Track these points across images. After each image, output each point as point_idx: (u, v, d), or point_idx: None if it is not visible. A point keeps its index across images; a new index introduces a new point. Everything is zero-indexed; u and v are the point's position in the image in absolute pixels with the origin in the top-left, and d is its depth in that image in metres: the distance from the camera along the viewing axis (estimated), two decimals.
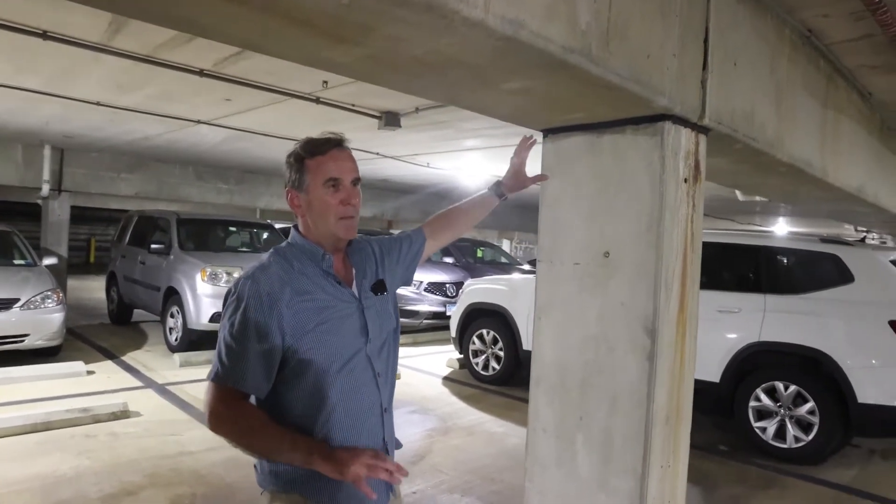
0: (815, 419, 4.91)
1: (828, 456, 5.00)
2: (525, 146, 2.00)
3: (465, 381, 7.33)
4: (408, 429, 5.31)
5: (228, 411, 1.32)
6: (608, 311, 2.35)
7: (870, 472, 5.06)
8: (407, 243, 1.76)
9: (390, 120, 6.00)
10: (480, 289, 7.66)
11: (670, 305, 2.27)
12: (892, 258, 5.07)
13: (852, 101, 3.94)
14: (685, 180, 2.31)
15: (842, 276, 5.01)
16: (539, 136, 2.44)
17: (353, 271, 1.54)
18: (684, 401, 2.42)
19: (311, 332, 1.37)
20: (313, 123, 6.62)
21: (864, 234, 8.34)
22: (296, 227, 1.53)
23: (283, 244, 1.52)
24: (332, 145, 1.47)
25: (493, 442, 5.15)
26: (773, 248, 5.51)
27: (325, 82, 4.86)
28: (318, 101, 5.42)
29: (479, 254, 14.01)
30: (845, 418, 4.84)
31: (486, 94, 2.06)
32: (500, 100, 2.11)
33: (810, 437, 4.93)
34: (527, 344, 6.64)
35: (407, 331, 9.59)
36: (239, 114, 6.31)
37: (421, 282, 9.93)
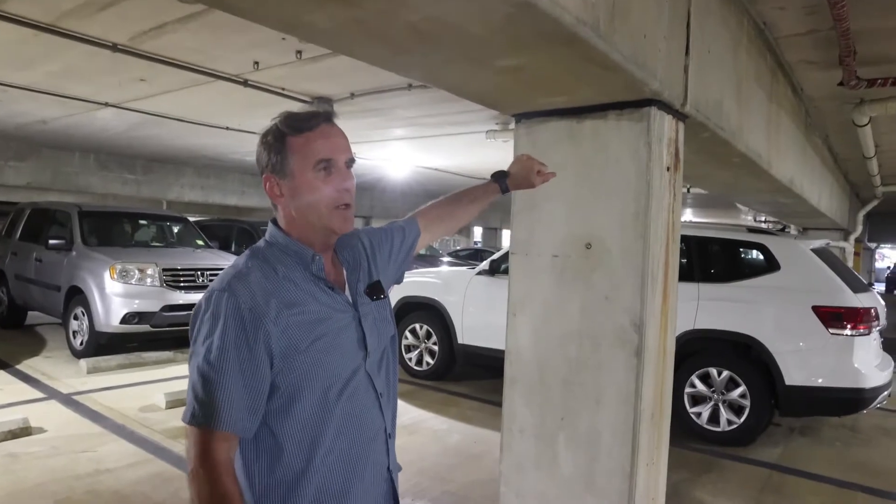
0: (747, 402, 5.11)
1: (756, 437, 5.22)
2: None
3: (399, 377, 7.13)
4: None
5: (210, 484, 1.07)
6: (591, 304, 2.25)
7: (792, 448, 5.33)
8: (399, 236, 1.52)
9: (322, 106, 5.68)
10: (411, 282, 7.47)
11: (656, 297, 2.20)
12: (812, 247, 5.35)
13: (787, 96, 4.08)
14: (668, 168, 2.24)
15: (769, 264, 5.24)
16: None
17: (344, 272, 1.30)
18: (666, 396, 2.37)
19: (304, 351, 1.14)
20: (238, 109, 6.20)
21: (774, 223, 8.89)
22: (274, 221, 1.26)
23: (261, 244, 1.25)
24: (321, 119, 1.22)
25: (438, 440, 5.01)
26: (704, 238, 5.68)
27: (257, 63, 4.51)
28: (245, 83, 5.04)
29: None
30: (773, 400, 5.07)
31: (472, 73, 1.89)
32: (485, 79, 1.95)
33: (742, 419, 5.13)
34: (462, 337, 6.55)
35: None
36: (154, 96, 5.78)
37: None
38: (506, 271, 6.44)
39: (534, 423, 2.39)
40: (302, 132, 1.19)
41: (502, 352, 5.22)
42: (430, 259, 12.79)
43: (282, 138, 1.20)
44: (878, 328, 5.13)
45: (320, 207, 1.19)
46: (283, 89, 5.36)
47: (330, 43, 1.69)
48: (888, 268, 26.46)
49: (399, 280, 1.54)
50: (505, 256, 6.21)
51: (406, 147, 8.95)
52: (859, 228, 9.61)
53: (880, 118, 4.46)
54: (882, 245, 25.10)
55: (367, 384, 1.24)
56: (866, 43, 3.22)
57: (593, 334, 2.24)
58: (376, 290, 1.33)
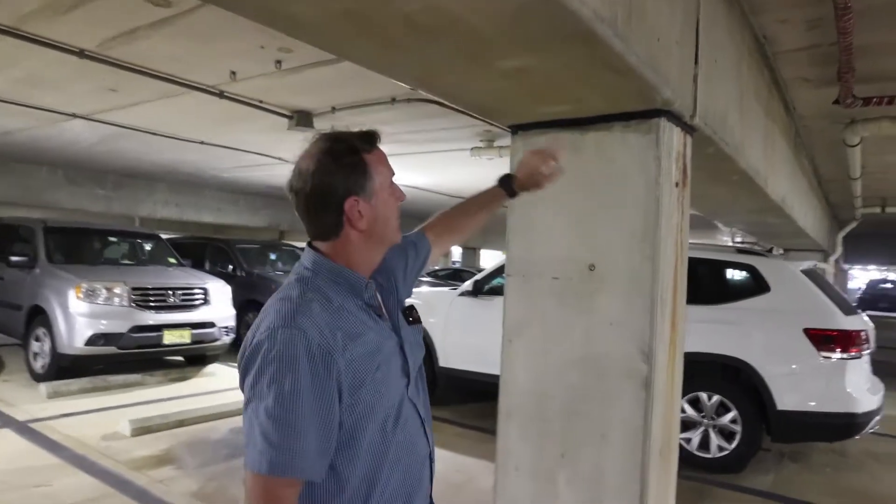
0: (738, 428, 4.97)
1: (747, 463, 5.08)
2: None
3: None
4: None
5: None
6: (596, 331, 2.08)
7: (784, 475, 5.20)
8: (412, 252, 1.45)
9: (302, 120, 5.49)
10: None
11: (665, 324, 2.03)
12: (802, 268, 5.27)
13: (780, 113, 4.00)
14: (676, 184, 2.09)
15: (758, 286, 5.13)
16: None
17: (379, 296, 1.24)
18: (674, 430, 2.19)
19: (367, 385, 1.10)
20: (213, 122, 5.98)
21: (751, 244, 8.86)
22: (312, 246, 1.20)
23: (305, 272, 1.16)
24: (379, 136, 1.21)
25: None
26: (693, 258, 5.55)
27: (234, 73, 4.31)
28: (222, 95, 4.83)
29: None
30: (764, 425, 4.94)
31: (471, 75, 1.72)
32: (484, 83, 1.78)
33: (733, 445, 4.98)
34: (444, 360, 6.35)
35: None
36: (125, 108, 5.53)
37: None
38: (490, 292, 6.25)
39: (531, 461, 2.19)
40: (372, 150, 1.18)
41: (486, 375, 5.01)
42: None
43: (361, 157, 1.15)
44: (868, 352, 5.04)
45: (393, 222, 1.22)
46: (262, 102, 5.16)
47: (314, 38, 1.51)
48: (859, 288, 26.87)
49: (408, 296, 1.43)
50: (489, 276, 6.03)
51: None
52: (839, 250, 9.65)
53: (870, 139, 4.40)
54: (853, 266, 25.52)
55: (412, 411, 1.23)
56: (864, 60, 3.14)
57: (597, 364, 2.06)
58: (412, 314, 1.32)
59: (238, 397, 5.22)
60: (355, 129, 1.19)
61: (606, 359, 2.05)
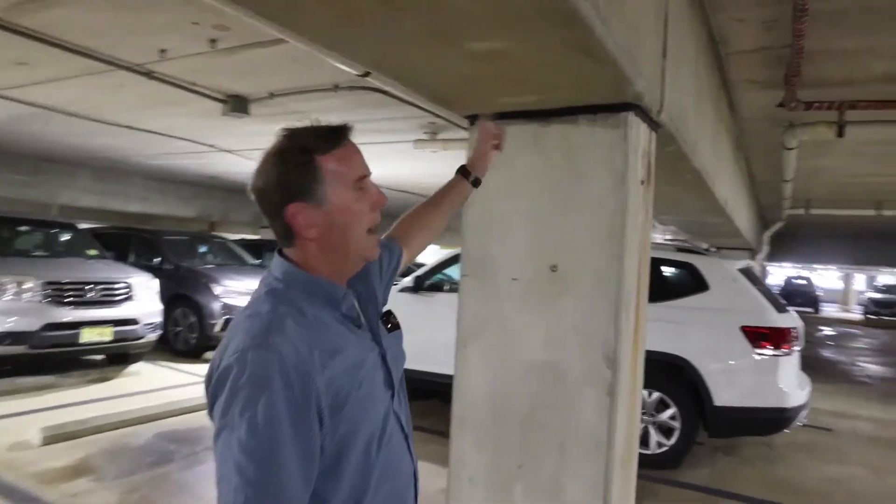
0: (677, 424, 5.04)
1: (684, 458, 5.16)
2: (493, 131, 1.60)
3: None
4: None
5: None
6: (557, 335, 1.97)
7: (719, 469, 5.32)
8: (386, 256, 1.35)
9: (237, 105, 5.17)
10: None
11: (629, 327, 1.95)
12: (738, 266, 5.40)
13: (726, 115, 4.04)
14: (642, 182, 2.00)
15: (697, 284, 5.22)
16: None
17: (356, 304, 1.14)
18: (635, 438, 2.12)
19: (349, 404, 1.01)
20: (140, 104, 5.55)
21: (681, 241, 9.11)
22: (281, 254, 1.09)
23: (276, 284, 1.06)
24: (347, 133, 1.08)
25: None
26: None
27: (163, 51, 3.97)
28: (150, 75, 4.46)
29: None
30: (701, 421, 5.03)
31: (436, 57, 1.56)
32: (450, 67, 1.63)
33: (671, 441, 5.05)
34: None
35: None
36: (38, 84, 5.04)
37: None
38: (431, 288, 6.13)
39: (487, 471, 2.07)
40: (332, 150, 1.05)
41: (428, 374, 4.86)
42: None
43: (311, 158, 1.03)
44: (798, 348, 5.22)
45: (359, 233, 1.08)
46: (194, 84, 4.81)
47: (261, 6, 1.31)
48: (777, 285, 28.38)
49: (384, 303, 1.34)
50: (430, 272, 5.90)
51: None
52: (765, 249, 10.07)
53: (805, 143, 4.53)
54: (771, 263, 26.94)
55: (397, 426, 1.14)
56: (810, 65, 3.17)
57: (559, 369, 1.96)
58: (390, 319, 1.23)
59: (166, 397, 4.87)
60: (323, 123, 1.07)
61: (568, 364, 1.94)
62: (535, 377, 1.99)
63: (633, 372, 2.01)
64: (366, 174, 1.08)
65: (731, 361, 4.98)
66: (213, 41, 3.69)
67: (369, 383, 1.07)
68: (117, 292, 6.71)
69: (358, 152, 1.09)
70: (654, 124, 2.06)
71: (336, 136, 1.06)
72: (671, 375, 5.12)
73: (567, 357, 1.94)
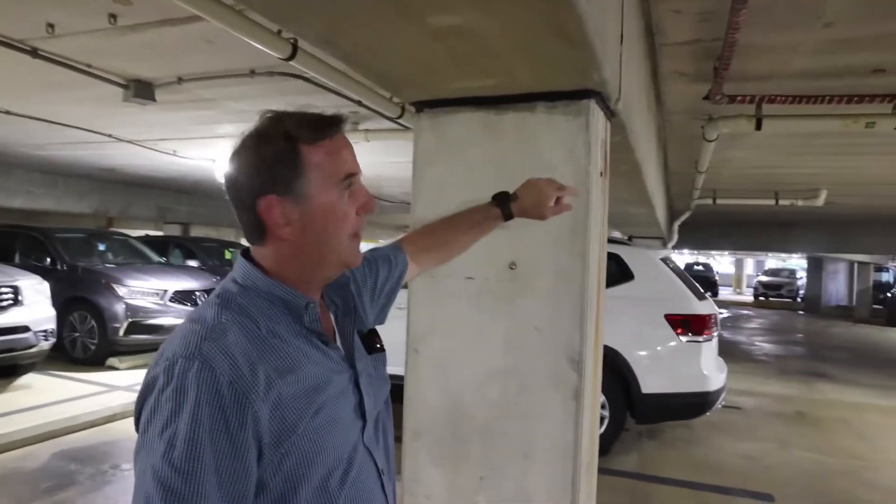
0: (606, 413, 5.12)
1: (612, 446, 5.26)
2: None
3: None
4: None
5: None
6: (518, 337, 1.85)
7: (646, 454, 5.48)
8: (385, 269, 1.24)
9: (141, 91, 4.71)
10: None
11: (592, 326, 1.86)
12: (660, 256, 5.55)
13: (653, 106, 4.08)
14: (601, 174, 1.92)
15: (623, 274, 5.32)
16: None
17: (332, 318, 1.04)
18: (597, 438, 2.04)
19: (300, 433, 0.87)
20: (24, 87, 4.95)
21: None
22: (246, 255, 0.98)
23: (230, 286, 0.95)
24: (338, 124, 0.96)
25: None
26: None
27: (51, 26, 3.50)
28: (35, 53, 3.94)
29: (228, 255, 12.61)
30: (629, 409, 5.14)
31: (393, 32, 1.39)
32: (406, 44, 1.46)
33: (601, 430, 5.13)
34: None
35: (150, 348, 8.05)
36: None
37: (165, 290, 8.39)
38: None
39: (446, 487, 1.93)
40: (319, 141, 0.94)
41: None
42: (196, 270, 11.73)
43: (294, 148, 0.92)
44: (716, 334, 5.44)
45: (342, 237, 0.96)
46: (90, 66, 4.32)
47: None
48: None
49: (381, 321, 1.24)
50: None
51: None
52: (675, 238, 10.52)
53: (724, 136, 4.67)
54: (673, 251, 28.44)
55: (368, 461, 0.99)
56: (737, 59, 3.22)
57: (521, 374, 1.84)
58: (374, 341, 1.09)
59: (65, 411, 4.37)
60: (314, 111, 0.96)
61: (531, 368, 1.83)
62: (495, 383, 1.87)
63: (594, 372, 1.93)
64: (355, 172, 0.96)
65: (657, 349, 5.12)
66: (112, 17, 3.29)
67: (331, 410, 0.92)
68: (2, 297, 6.05)
69: (349, 147, 0.98)
70: (610, 113, 1.98)
71: (326, 126, 0.94)
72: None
73: (529, 360, 1.83)
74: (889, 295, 19.73)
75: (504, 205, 1.42)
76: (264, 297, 0.93)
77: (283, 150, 0.91)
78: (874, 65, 3.53)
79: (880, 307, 20.37)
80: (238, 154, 0.93)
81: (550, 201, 1.43)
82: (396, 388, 1.43)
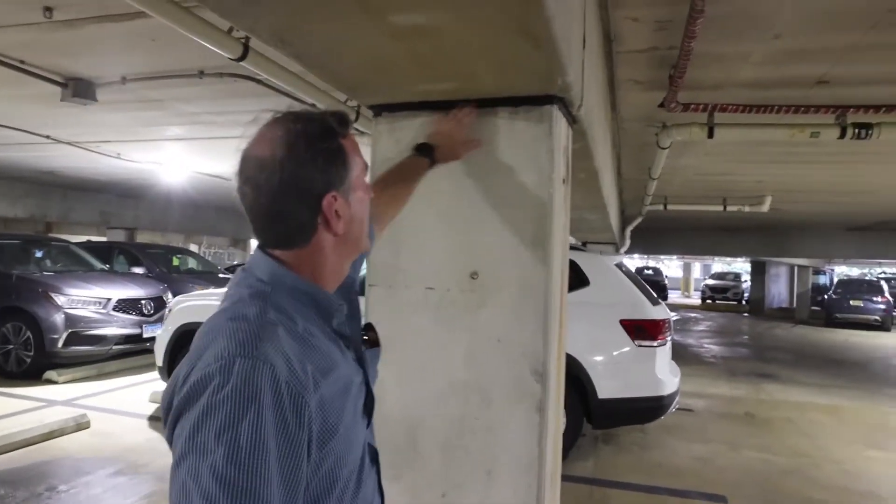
0: (564, 419, 5.11)
1: (569, 452, 5.27)
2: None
3: None
4: (115, 500, 3.98)
5: None
6: (480, 349, 1.79)
7: (602, 459, 5.51)
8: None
9: (81, 90, 4.48)
10: (194, 306, 6.39)
11: (555, 337, 1.82)
12: (615, 262, 5.61)
13: (609, 113, 4.11)
14: (563, 181, 1.88)
15: (579, 280, 5.34)
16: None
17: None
18: (559, 450, 2.00)
19: (339, 434, 0.89)
20: None
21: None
22: (265, 252, 0.96)
23: (261, 286, 0.92)
24: (351, 121, 1.00)
25: None
26: None
27: None
28: None
29: (176, 262, 12.20)
30: (586, 414, 5.16)
31: (352, 30, 1.31)
32: (365, 43, 1.38)
33: None
34: None
35: (91, 360, 7.70)
36: None
37: (108, 299, 8.03)
38: None
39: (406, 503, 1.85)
40: (347, 135, 0.98)
41: None
42: (207, 275, 11.42)
43: (340, 143, 0.95)
44: (669, 338, 5.52)
45: (366, 223, 1.03)
46: (23, 62, 4.08)
47: None
48: None
49: None
50: None
51: (184, 149, 7.73)
52: (627, 243, 10.70)
53: (676, 143, 4.75)
54: (624, 256, 29.06)
55: (369, 459, 1.05)
56: (691, 68, 3.27)
57: (483, 386, 1.78)
58: (373, 335, 1.15)
59: (4, 428, 4.08)
60: (331, 109, 1.01)
61: (493, 381, 1.78)
62: (455, 398, 1.81)
63: (558, 383, 1.89)
64: (368, 165, 1.03)
65: (613, 354, 5.16)
66: (48, 10, 3.11)
67: (354, 409, 0.97)
68: None
69: (357, 142, 1.02)
70: (571, 119, 1.95)
71: (348, 122, 0.97)
72: None
73: (491, 373, 1.78)
74: (826, 297, 20.62)
75: (429, 154, 1.59)
76: (294, 296, 0.92)
77: (334, 147, 0.93)
78: (819, 76, 3.65)
79: (818, 309, 21.28)
80: (289, 159, 0.89)
81: (455, 137, 1.64)
82: None
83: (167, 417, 0.83)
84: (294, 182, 0.90)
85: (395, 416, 1.88)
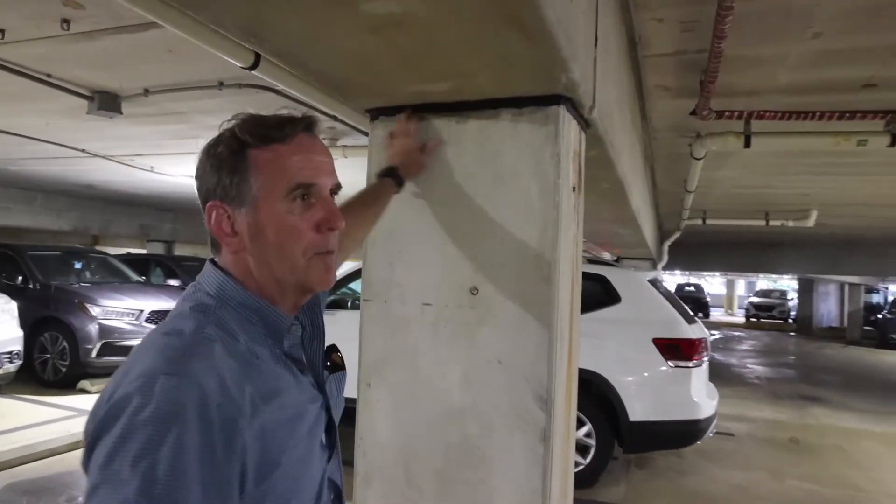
0: (592, 442, 4.89)
1: (600, 476, 5.03)
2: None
3: None
4: None
5: None
6: (479, 371, 1.64)
7: (634, 484, 5.24)
8: None
9: (106, 103, 4.52)
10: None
11: (563, 358, 1.66)
12: (648, 278, 5.37)
13: (638, 123, 3.93)
14: (573, 189, 1.73)
15: (609, 296, 5.13)
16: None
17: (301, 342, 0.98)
18: (570, 482, 1.83)
19: (282, 466, 0.79)
20: None
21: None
22: (215, 264, 0.90)
23: (206, 299, 0.86)
24: (298, 127, 0.90)
25: None
26: None
27: (2, 31, 3.32)
28: None
29: None
30: (617, 436, 4.92)
31: (323, 23, 1.20)
32: (340, 38, 1.27)
33: (587, 460, 4.90)
34: None
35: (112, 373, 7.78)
36: None
37: (141, 311, 8.13)
38: (332, 305, 5.69)
39: None
40: (270, 143, 0.88)
41: None
42: (176, 290, 11.44)
43: (241, 150, 0.87)
44: (706, 358, 5.24)
45: (295, 254, 0.88)
46: (50, 76, 4.13)
47: None
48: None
49: None
50: (332, 287, 5.47)
51: None
52: (665, 258, 10.36)
53: (712, 154, 4.53)
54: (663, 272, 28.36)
55: (329, 496, 0.95)
56: (723, 72, 3.07)
57: (482, 413, 1.63)
58: (337, 359, 1.03)
59: (25, 438, 4.06)
60: (295, 114, 0.91)
61: (493, 406, 1.62)
62: (453, 424, 1.66)
63: (566, 410, 1.72)
64: (311, 182, 0.87)
65: (645, 374, 4.91)
66: (65, 22, 3.11)
67: (308, 442, 0.87)
68: None
69: (314, 153, 0.89)
70: (584, 123, 1.79)
71: (283, 127, 0.87)
72: (585, 391, 4.97)
73: (491, 397, 1.62)
74: (880, 316, 19.64)
75: (394, 176, 1.55)
76: (241, 313, 0.86)
77: (229, 153, 0.86)
78: (865, 79, 3.40)
79: (871, 329, 20.27)
80: (198, 160, 0.90)
81: (416, 150, 1.62)
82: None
83: (86, 442, 0.75)
84: (197, 186, 0.90)
85: (390, 445, 1.75)
